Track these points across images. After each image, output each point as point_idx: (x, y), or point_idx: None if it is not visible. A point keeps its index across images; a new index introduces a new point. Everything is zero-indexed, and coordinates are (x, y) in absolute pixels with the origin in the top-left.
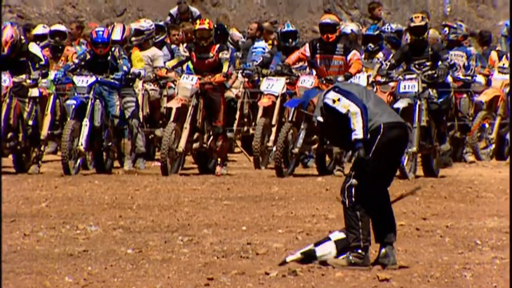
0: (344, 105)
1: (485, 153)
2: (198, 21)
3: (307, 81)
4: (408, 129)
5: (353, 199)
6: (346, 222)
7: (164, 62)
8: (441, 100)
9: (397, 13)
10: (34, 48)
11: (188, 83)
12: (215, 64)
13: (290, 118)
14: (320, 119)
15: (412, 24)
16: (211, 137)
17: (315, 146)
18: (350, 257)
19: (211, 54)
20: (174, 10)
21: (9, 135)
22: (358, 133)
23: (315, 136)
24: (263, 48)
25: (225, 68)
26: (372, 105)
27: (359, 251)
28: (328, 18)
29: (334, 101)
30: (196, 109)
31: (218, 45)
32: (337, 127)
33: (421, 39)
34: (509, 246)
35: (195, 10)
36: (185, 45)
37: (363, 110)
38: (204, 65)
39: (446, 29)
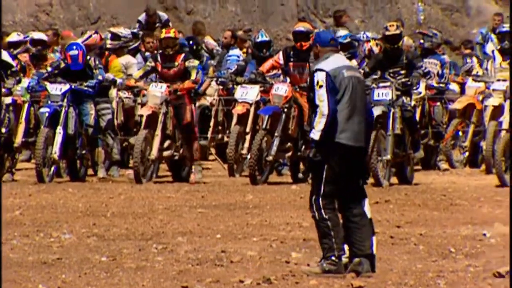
0: (320, 97)
1: (458, 161)
2: (163, 30)
3: (281, 88)
4: (364, 153)
5: (322, 211)
6: (319, 233)
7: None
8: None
9: (371, 21)
10: (4, 55)
11: (157, 91)
12: (180, 73)
13: (264, 126)
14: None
15: (387, 33)
16: (183, 144)
17: (289, 154)
18: (324, 265)
19: (176, 63)
20: (142, 16)
21: None
22: (316, 133)
23: (289, 144)
24: (238, 56)
25: (193, 76)
26: (345, 115)
27: (333, 258)
28: (301, 26)
29: (317, 83)
30: (166, 116)
31: (183, 54)
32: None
33: (396, 47)
34: (509, 253)
35: (163, 14)
36: (149, 55)
37: (330, 116)
38: (169, 75)
39: (421, 37)
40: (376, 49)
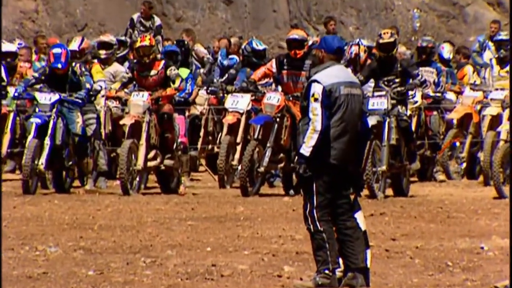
0: (314, 110)
1: (455, 172)
2: (139, 39)
3: (273, 97)
4: (356, 166)
5: (317, 222)
6: (313, 246)
7: None
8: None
9: (365, 28)
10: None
11: (139, 99)
12: (160, 80)
13: (255, 136)
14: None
15: (381, 41)
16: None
17: (282, 165)
18: (317, 278)
19: (154, 71)
20: (136, 15)
21: None
22: (306, 150)
23: (281, 155)
24: (237, 60)
25: (177, 84)
26: (334, 133)
27: (326, 271)
28: (295, 34)
29: (313, 95)
30: (150, 125)
31: (163, 62)
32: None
33: (390, 55)
34: (509, 266)
35: (157, 19)
36: (127, 65)
37: (322, 132)
38: (148, 83)
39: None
40: (363, 55)
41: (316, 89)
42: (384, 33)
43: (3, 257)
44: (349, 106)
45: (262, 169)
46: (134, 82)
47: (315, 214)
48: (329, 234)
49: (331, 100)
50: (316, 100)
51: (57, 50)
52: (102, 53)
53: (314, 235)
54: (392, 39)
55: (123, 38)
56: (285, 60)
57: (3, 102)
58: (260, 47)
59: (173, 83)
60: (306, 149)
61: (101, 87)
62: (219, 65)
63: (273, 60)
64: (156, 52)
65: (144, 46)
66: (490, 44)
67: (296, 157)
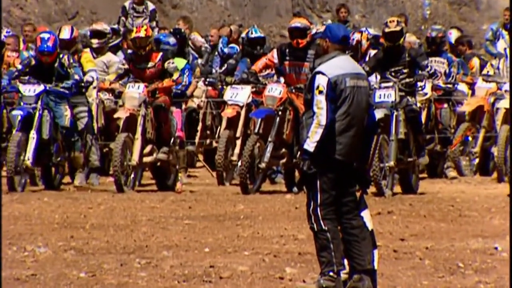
0: (318, 104)
1: (468, 169)
2: (134, 29)
3: (275, 89)
4: (361, 163)
5: (321, 221)
6: (317, 246)
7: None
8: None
9: (372, 16)
10: None
11: (135, 91)
12: (157, 73)
13: (256, 130)
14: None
15: (387, 30)
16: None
17: (284, 160)
18: (321, 281)
19: (151, 63)
20: (128, 2)
21: None
22: (310, 145)
23: (283, 150)
24: (237, 49)
25: (174, 76)
26: (339, 127)
27: (331, 273)
28: (298, 22)
29: (318, 87)
30: (146, 118)
31: (161, 54)
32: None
33: (397, 45)
34: (509, 263)
35: (150, 4)
36: (122, 56)
37: (327, 127)
38: (144, 75)
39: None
40: (365, 43)
41: (321, 81)
42: (390, 22)
43: None
44: (355, 98)
45: (263, 165)
46: (130, 74)
47: (319, 213)
48: (333, 234)
49: (336, 93)
50: (320, 92)
51: (44, 35)
52: (95, 42)
53: (318, 235)
54: (398, 28)
55: (115, 26)
56: (287, 50)
57: None
58: (255, 34)
59: (171, 77)
60: (310, 145)
61: (92, 78)
62: (220, 53)
63: (275, 50)
64: (153, 43)
65: (140, 38)
66: (504, 32)
67: (299, 153)
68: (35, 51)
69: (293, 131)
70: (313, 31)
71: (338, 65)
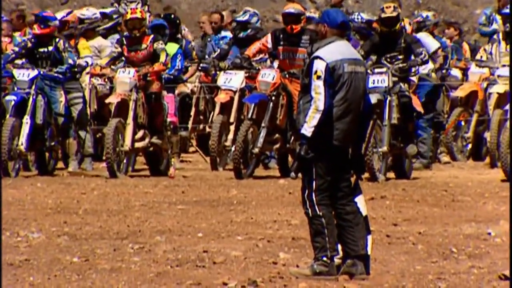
0: (316, 89)
1: (461, 153)
2: (129, 11)
3: (268, 74)
4: (356, 149)
5: (316, 207)
6: (311, 232)
7: None
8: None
9: (366, 1)
10: None
11: (125, 76)
12: (149, 55)
13: (249, 115)
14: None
15: (383, 15)
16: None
17: (277, 145)
18: (315, 266)
19: (144, 45)
20: None
21: None
22: (307, 130)
23: (277, 135)
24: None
25: (162, 58)
26: (337, 113)
27: (325, 258)
28: (292, 8)
29: (316, 72)
30: (137, 103)
31: (152, 36)
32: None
33: (393, 31)
34: (509, 254)
35: None
36: (116, 39)
37: (325, 112)
38: (138, 58)
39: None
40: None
41: (319, 66)
42: (387, 7)
43: None
44: (352, 84)
45: (256, 150)
46: (123, 58)
47: (314, 198)
48: (328, 219)
49: (335, 78)
50: (319, 77)
51: (44, 12)
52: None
53: (312, 220)
54: (395, 13)
55: (107, 10)
56: (281, 36)
57: None
58: (243, 17)
59: (158, 57)
60: (307, 129)
61: (86, 63)
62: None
63: (269, 35)
64: (146, 26)
65: (134, 19)
66: (498, 17)
67: (294, 138)
68: (32, 27)
69: (287, 117)
70: (307, 15)
71: (337, 50)
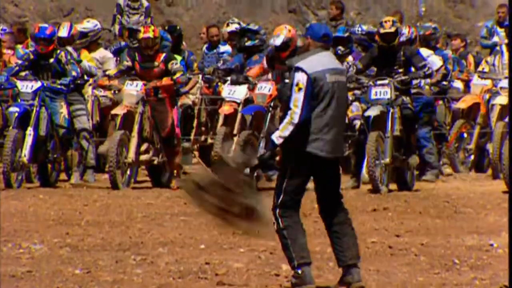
0: (295, 101)
1: (463, 165)
2: (142, 29)
3: (264, 87)
4: (330, 164)
5: (280, 219)
6: (280, 243)
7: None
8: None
9: (368, 13)
10: None
11: (133, 89)
12: (161, 73)
13: (248, 126)
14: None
15: (382, 30)
16: (162, 152)
17: (278, 157)
18: (291, 279)
19: (156, 63)
20: (122, 0)
21: None
22: (279, 138)
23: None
24: (229, 53)
25: (176, 75)
26: (319, 124)
27: (296, 270)
28: (278, 37)
29: (297, 84)
30: (143, 116)
31: (165, 54)
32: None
33: (392, 45)
34: (508, 261)
35: (145, 1)
36: (126, 52)
37: (299, 125)
38: (149, 75)
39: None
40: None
41: (300, 78)
42: (386, 22)
43: None
44: (335, 94)
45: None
46: (133, 72)
47: (277, 211)
48: (290, 229)
49: (316, 89)
50: (300, 89)
51: (44, 25)
52: (77, 42)
53: (278, 233)
54: (393, 29)
55: (111, 28)
56: (274, 57)
57: None
58: (254, 27)
59: (174, 74)
60: (278, 138)
61: (96, 70)
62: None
63: (264, 58)
64: (158, 44)
65: (147, 38)
66: (499, 29)
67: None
68: (32, 39)
69: None
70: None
71: (318, 61)
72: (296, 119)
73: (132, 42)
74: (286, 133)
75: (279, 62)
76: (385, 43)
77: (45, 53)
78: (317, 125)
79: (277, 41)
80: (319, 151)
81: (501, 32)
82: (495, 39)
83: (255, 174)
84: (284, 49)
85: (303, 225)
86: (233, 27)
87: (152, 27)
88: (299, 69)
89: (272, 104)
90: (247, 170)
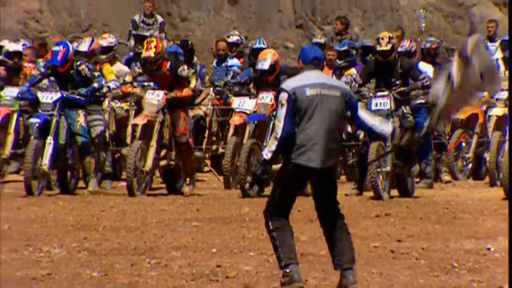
0: (279, 117)
1: (461, 173)
2: (144, 45)
3: (266, 97)
4: (323, 173)
5: (270, 222)
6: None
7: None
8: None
9: (371, 29)
10: None
11: (154, 98)
12: (171, 78)
13: (251, 134)
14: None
15: (379, 48)
16: (178, 158)
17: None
18: (281, 278)
19: (163, 71)
20: (137, 16)
21: None
22: (268, 154)
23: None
24: (238, 66)
25: (192, 84)
26: (305, 136)
27: (285, 270)
28: (263, 62)
29: (280, 101)
30: (163, 124)
31: (169, 63)
32: None
33: (388, 60)
34: (508, 263)
35: (159, 16)
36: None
37: (283, 139)
38: (161, 80)
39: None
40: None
41: (282, 96)
42: (382, 39)
43: (7, 259)
44: (318, 106)
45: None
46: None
47: (268, 215)
48: (279, 231)
49: (297, 103)
50: (282, 106)
51: (56, 48)
52: (103, 57)
53: (269, 236)
54: (389, 47)
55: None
56: (261, 79)
57: (6, 102)
58: (258, 45)
59: (188, 82)
60: (268, 154)
61: (116, 85)
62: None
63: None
64: (164, 56)
65: (148, 57)
66: (489, 44)
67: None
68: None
69: None
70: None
71: (301, 79)
72: (279, 133)
73: (139, 48)
74: (273, 147)
75: (266, 85)
76: (382, 58)
77: (63, 72)
78: (303, 138)
79: (265, 65)
80: (309, 162)
81: (491, 46)
82: None
83: (265, 176)
84: (271, 72)
85: (291, 228)
86: (234, 38)
87: (155, 43)
88: (281, 89)
89: (274, 113)
90: (248, 186)
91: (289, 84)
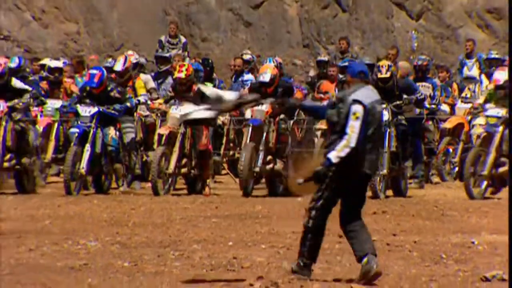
0: (353, 128)
1: (449, 175)
2: (177, 68)
3: (261, 105)
4: (366, 181)
5: (311, 221)
6: (300, 238)
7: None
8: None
9: (369, 47)
10: (16, 83)
11: (177, 113)
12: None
13: (249, 138)
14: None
15: (379, 75)
16: (198, 164)
17: (271, 166)
18: (293, 266)
19: (191, 93)
20: (163, 37)
21: (8, 156)
22: (335, 158)
23: (269, 157)
24: (252, 81)
25: None
26: (368, 147)
27: (300, 262)
28: (265, 75)
29: (355, 114)
30: (184, 136)
31: (198, 86)
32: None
33: (387, 86)
34: (508, 260)
35: (182, 37)
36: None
37: (355, 148)
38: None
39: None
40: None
41: (358, 109)
42: (382, 67)
43: (49, 250)
44: (377, 121)
45: (257, 169)
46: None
47: (313, 213)
48: (313, 233)
49: (370, 118)
50: (357, 118)
51: (93, 71)
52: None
53: (304, 229)
54: (388, 74)
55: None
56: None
57: (48, 112)
58: (245, 57)
59: None
60: (335, 158)
61: (145, 100)
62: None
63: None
64: (193, 79)
65: (180, 78)
66: (467, 60)
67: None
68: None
69: (277, 142)
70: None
71: (368, 94)
72: (353, 143)
73: (160, 67)
74: (343, 154)
75: (263, 95)
76: (382, 84)
77: (97, 93)
78: (365, 148)
79: (266, 78)
80: (367, 169)
81: (469, 62)
82: (465, 69)
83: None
84: (271, 84)
85: (325, 230)
86: (247, 57)
87: (186, 66)
88: (356, 101)
89: (269, 119)
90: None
91: (362, 98)
